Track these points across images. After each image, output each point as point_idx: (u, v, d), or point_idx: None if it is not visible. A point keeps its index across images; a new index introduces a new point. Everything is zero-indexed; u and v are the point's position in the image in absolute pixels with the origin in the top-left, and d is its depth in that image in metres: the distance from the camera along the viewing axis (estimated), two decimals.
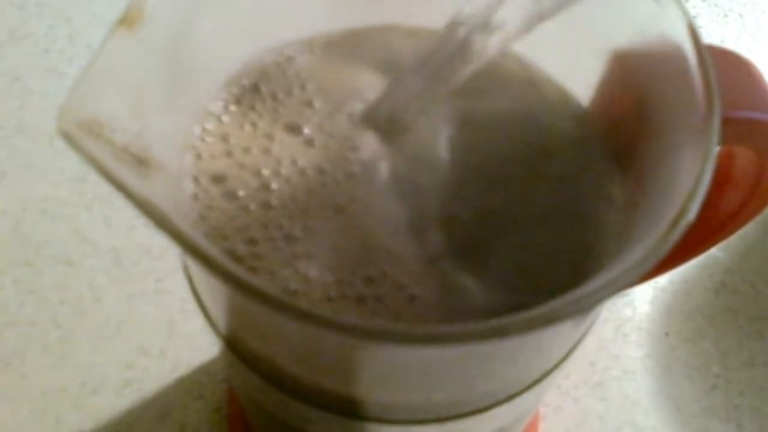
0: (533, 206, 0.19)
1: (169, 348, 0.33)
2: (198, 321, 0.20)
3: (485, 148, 0.20)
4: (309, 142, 0.20)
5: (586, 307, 0.14)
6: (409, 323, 0.17)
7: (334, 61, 0.21)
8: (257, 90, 0.20)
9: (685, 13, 0.19)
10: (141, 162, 0.16)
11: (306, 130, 0.20)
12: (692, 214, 0.15)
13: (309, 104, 0.20)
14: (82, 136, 0.15)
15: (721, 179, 0.26)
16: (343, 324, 0.13)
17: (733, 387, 0.35)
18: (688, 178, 0.16)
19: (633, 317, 0.37)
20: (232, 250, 0.17)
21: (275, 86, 0.21)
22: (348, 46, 0.22)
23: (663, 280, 0.37)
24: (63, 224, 0.36)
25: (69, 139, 0.15)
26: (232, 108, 0.20)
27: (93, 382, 0.32)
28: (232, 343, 0.20)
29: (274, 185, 0.18)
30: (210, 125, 0.19)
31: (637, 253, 0.15)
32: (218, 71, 0.20)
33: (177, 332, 0.33)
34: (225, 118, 0.20)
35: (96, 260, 0.35)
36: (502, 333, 0.13)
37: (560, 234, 0.20)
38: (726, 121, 0.19)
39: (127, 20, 0.16)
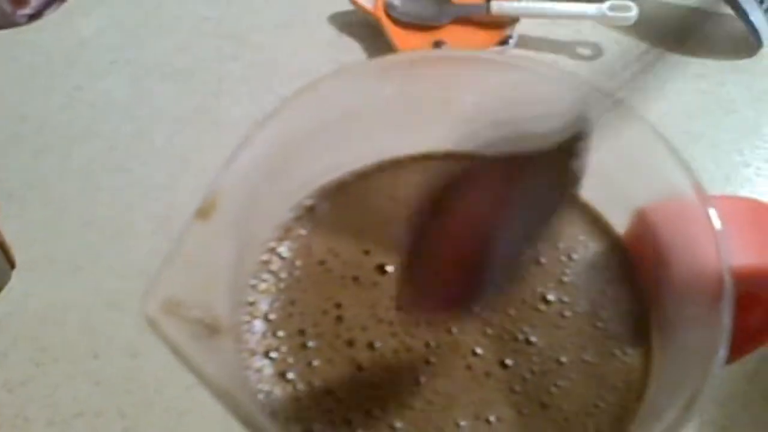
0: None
1: None
2: None
3: None
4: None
5: None
6: None
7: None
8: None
9: (691, 174, 0.20)
10: (213, 330, 0.19)
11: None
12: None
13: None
14: (163, 318, 0.17)
15: (746, 302, 0.27)
16: None
17: None
18: (703, 345, 0.18)
19: None
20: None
21: None
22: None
23: None
24: (128, 317, 0.39)
25: (152, 323, 0.17)
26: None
27: None
28: None
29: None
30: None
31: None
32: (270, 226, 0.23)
33: (234, 424, 0.35)
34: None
35: (158, 352, 0.38)
36: None
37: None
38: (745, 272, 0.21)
39: (202, 212, 0.18)
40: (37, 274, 0.40)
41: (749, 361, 0.39)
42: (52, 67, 0.47)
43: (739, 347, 0.28)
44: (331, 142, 0.22)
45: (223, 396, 0.16)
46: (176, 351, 0.17)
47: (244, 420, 0.16)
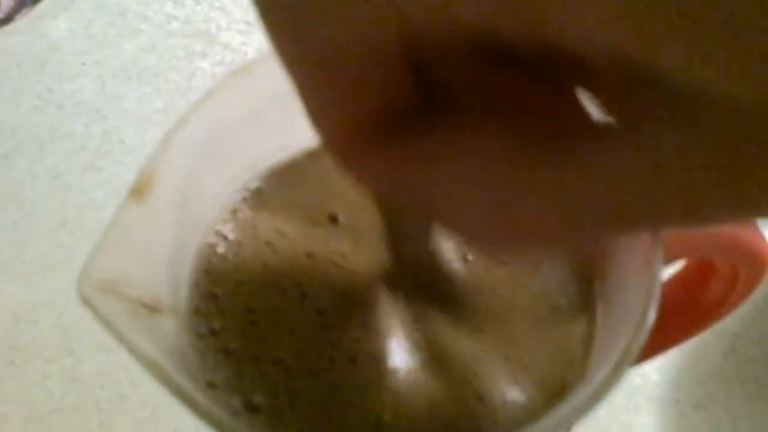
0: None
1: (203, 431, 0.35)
2: None
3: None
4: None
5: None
6: None
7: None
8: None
9: None
10: (153, 310, 0.19)
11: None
12: (633, 357, 0.17)
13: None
14: (99, 297, 0.17)
15: (705, 273, 0.27)
16: None
17: None
18: (637, 309, 0.18)
19: (643, 385, 0.38)
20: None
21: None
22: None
23: None
24: None
25: (87, 302, 0.17)
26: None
27: None
28: None
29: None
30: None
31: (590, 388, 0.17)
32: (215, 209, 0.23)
33: None
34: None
35: None
36: None
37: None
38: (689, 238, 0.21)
39: (136, 192, 0.19)
40: (9, 275, 0.40)
41: (724, 338, 0.39)
42: (22, 70, 0.47)
43: (699, 321, 0.28)
44: (272, 123, 0.22)
45: (155, 370, 0.16)
46: (109, 327, 0.17)
47: (178, 394, 0.16)
